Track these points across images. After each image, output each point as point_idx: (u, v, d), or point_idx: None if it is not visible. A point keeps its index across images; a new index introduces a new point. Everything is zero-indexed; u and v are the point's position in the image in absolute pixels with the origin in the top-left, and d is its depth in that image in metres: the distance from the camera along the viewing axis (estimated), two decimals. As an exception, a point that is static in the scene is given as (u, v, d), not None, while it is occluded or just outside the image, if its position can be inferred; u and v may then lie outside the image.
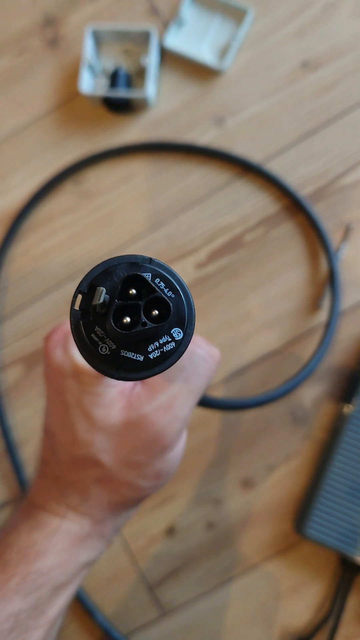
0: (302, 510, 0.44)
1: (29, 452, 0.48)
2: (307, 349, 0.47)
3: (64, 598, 0.29)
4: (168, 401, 0.27)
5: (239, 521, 0.45)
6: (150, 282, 0.20)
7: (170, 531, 0.46)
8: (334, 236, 0.48)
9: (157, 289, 0.20)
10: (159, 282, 0.20)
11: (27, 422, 0.48)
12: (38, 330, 0.50)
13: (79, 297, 0.20)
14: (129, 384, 0.28)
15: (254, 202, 0.50)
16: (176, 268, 0.49)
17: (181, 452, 0.29)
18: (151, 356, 0.20)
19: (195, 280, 0.49)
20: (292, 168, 0.50)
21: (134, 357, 0.20)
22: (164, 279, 0.20)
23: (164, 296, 0.20)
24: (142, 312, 0.20)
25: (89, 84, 0.52)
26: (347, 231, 0.48)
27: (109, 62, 0.53)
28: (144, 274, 0.20)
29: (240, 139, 0.50)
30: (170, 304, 0.20)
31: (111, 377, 0.21)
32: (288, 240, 0.49)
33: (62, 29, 0.54)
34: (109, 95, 0.50)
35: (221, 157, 0.50)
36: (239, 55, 0.51)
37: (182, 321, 0.21)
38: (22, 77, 0.53)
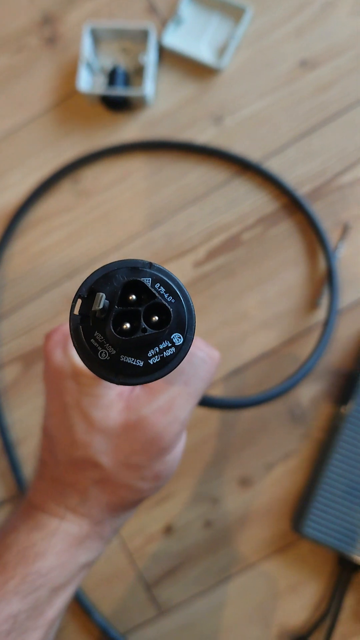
0: (300, 509, 0.44)
1: (27, 450, 0.48)
2: (305, 348, 0.47)
3: (62, 599, 0.29)
4: (167, 403, 0.27)
5: (236, 520, 0.45)
6: (150, 287, 0.20)
7: (168, 530, 0.46)
8: (331, 235, 0.48)
9: (157, 294, 0.20)
10: (159, 287, 0.20)
11: (25, 421, 0.48)
12: (36, 329, 0.50)
13: (79, 301, 0.20)
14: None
15: (252, 200, 0.50)
16: (174, 267, 0.49)
17: (180, 454, 0.29)
18: (151, 361, 0.20)
19: (194, 278, 0.49)
20: (290, 167, 0.50)
21: (134, 363, 0.20)
22: (164, 283, 0.20)
23: (165, 302, 0.20)
24: (142, 318, 0.19)
25: (87, 82, 0.52)
26: (344, 230, 0.48)
27: (107, 61, 0.52)
28: (144, 279, 0.20)
29: (238, 138, 0.50)
30: (171, 310, 0.20)
31: (111, 382, 0.21)
32: (286, 239, 0.49)
33: (60, 27, 0.53)
34: (107, 93, 0.50)
35: (220, 156, 0.50)
36: (237, 54, 0.51)
37: (183, 326, 0.20)
38: (20, 76, 0.53)
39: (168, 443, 0.28)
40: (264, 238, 0.49)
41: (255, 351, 0.47)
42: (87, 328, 0.20)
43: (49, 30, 0.54)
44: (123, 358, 0.20)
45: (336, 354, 0.46)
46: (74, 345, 0.21)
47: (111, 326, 0.19)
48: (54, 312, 0.50)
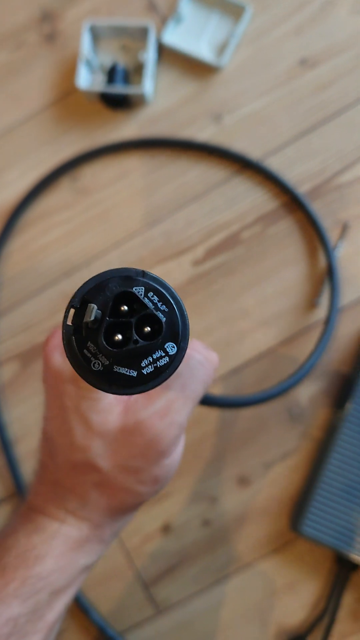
0: (298, 508, 0.44)
1: (25, 449, 0.48)
2: (303, 348, 0.47)
3: (62, 602, 0.29)
4: (165, 407, 0.27)
5: (235, 519, 0.45)
6: (142, 299, 0.20)
7: (166, 529, 0.46)
8: (331, 234, 0.48)
9: (149, 305, 0.20)
10: (152, 296, 0.20)
11: (23, 419, 0.48)
12: (34, 327, 0.50)
13: (72, 311, 0.20)
14: None
15: (251, 199, 0.50)
16: (173, 265, 0.49)
17: (179, 458, 0.29)
18: (145, 371, 0.20)
19: (192, 277, 0.49)
20: (289, 166, 0.50)
21: (128, 373, 0.20)
22: (157, 292, 0.20)
23: (156, 313, 0.20)
24: (133, 330, 0.19)
25: (87, 79, 0.51)
26: (344, 229, 0.48)
27: (107, 58, 0.52)
28: (136, 289, 0.20)
29: (237, 136, 0.50)
30: (163, 321, 0.20)
31: (104, 392, 0.20)
32: (285, 237, 0.49)
33: (59, 24, 0.53)
34: (106, 91, 0.50)
35: (219, 154, 0.50)
36: (237, 52, 0.51)
37: (176, 335, 0.20)
38: (18, 73, 0.53)
39: (166, 446, 0.28)
40: (263, 237, 0.49)
41: (254, 350, 0.47)
42: (79, 338, 0.20)
43: (48, 27, 0.53)
44: (116, 368, 0.20)
45: (334, 353, 0.46)
46: (67, 356, 0.20)
47: (102, 338, 0.19)
48: (52, 310, 0.50)
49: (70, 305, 0.20)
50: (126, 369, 0.20)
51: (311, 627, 0.43)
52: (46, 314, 0.50)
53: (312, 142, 0.50)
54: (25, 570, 0.27)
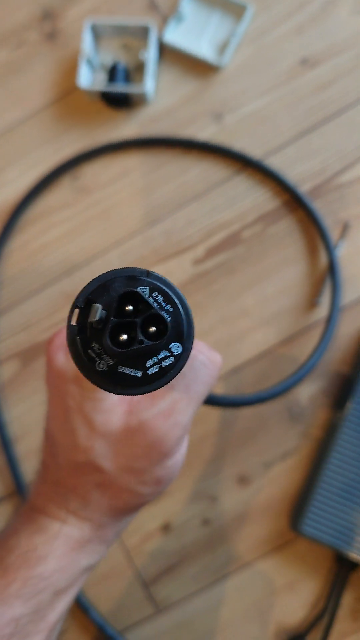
0: (298, 508, 0.44)
1: (25, 447, 0.48)
2: (303, 347, 0.47)
3: (64, 602, 0.29)
4: (168, 407, 0.27)
5: (234, 518, 0.45)
6: (146, 298, 0.19)
7: (166, 528, 0.46)
8: (331, 234, 0.48)
9: (154, 305, 0.19)
10: (157, 296, 0.20)
11: (23, 418, 0.48)
12: (34, 326, 0.50)
13: (76, 311, 0.20)
14: None
15: (252, 198, 0.50)
16: (174, 264, 0.49)
17: (182, 459, 0.29)
18: (149, 372, 0.20)
19: (193, 276, 0.49)
20: (289, 165, 0.50)
21: (132, 373, 0.20)
22: (162, 292, 0.20)
23: (162, 313, 0.19)
24: (138, 330, 0.19)
25: (87, 78, 0.51)
26: (344, 229, 0.48)
27: (108, 57, 0.52)
28: (141, 289, 0.20)
29: (238, 136, 0.50)
30: (168, 321, 0.20)
31: (109, 392, 0.20)
32: (286, 237, 0.49)
33: (60, 22, 0.53)
34: (107, 90, 0.49)
35: (221, 153, 0.50)
36: (238, 52, 0.51)
37: (181, 335, 0.20)
38: (19, 71, 0.53)
39: (169, 448, 0.28)
40: (264, 236, 0.49)
41: (254, 349, 0.47)
42: (84, 339, 0.20)
43: (49, 25, 0.53)
44: (121, 369, 0.20)
45: (335, 353, 0.46)
46: (72, 356, 0.20)
47: (107, 338, 0.19)
48: (52, 309, 0.50)
49: (75, 305, 0.20)
50: (131, 369, 0.20)
51: (311, 626, 0.43)
52: (46, 313, 0.50)
53: (313, 142, 0.50)
54: (27, 571, 0.27)
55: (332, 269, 0.46)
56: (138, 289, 0.20)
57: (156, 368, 0.20)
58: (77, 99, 0.52)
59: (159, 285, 0.20)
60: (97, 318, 0.19)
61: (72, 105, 0.52)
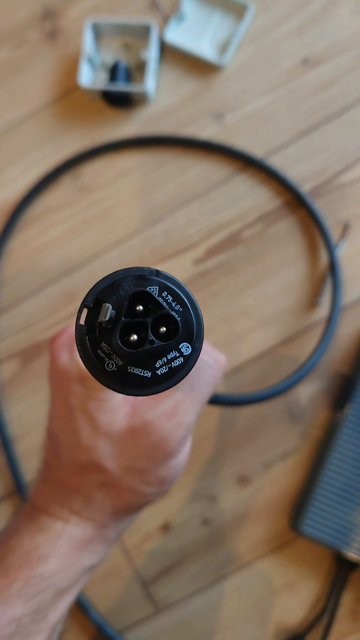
0: (298, 507, 0.44)
1: (25, 447, 0.48)
2: (304, 347, 0.47)
3: (65, 602, 0.29)
4: (172, 408, 0.27)
5: (234, 518, 0.45)
6: (157, 298, 0.19)
7: (166, 527, 0.46)
8: (332, 234, 0.48)
9: (164, 305, 0.19)
10: (167, 296, 0.20)
11: (23, 417, 0.48)
12: (34, 325, 0.50)
13: (85, 311, 0.20)
14: None
15: (252, 198, 0.49)
16: (174, 264, 0.49)
17: (185, 459, 0.29)
18: (159, 372, 0.20)
19: (193, 276, 0.49)
20: (290, 165, 0.50)
21: (141, 374, 0.20)
22: (171, 292, 0.20)
23: (173, 313, 0.19)
24: (149, 331, 0.19)
25: (88, 77, 0.51)
26: (345, 229, 0.48)
27: (109, 56, 0.52)
28: (151, 289, 0.19)
29: (239, 135, 0.50)
30: (179, 321, 0.19)
31: (117, 392, 0.20)
32: (286, 237, 0.49)
33: (61, 21, 0.53)
34: (108, 89, 0.49)
35: (222, 152, 0.50)
36: (239, 51, 0.51)
37: (191, 336, 0.20)
38: (20, 70, 0.53)
39: (173, 448, 0.27)
40: (264, 236, 0.49)
41: (254, 349, 0.47)
42: (93, 338, 0.20)
43: (50, 24, 0.53)
44: (130, 369, 0.20)
45: (335, 353, 0.46)
46: (80, 357, 0.20)
47: (118, 338, 0.19)
48: (52, 309, 0.50)
49: (84, 304, 0.20)
50: (140, 370, 0.20)
51: (310, 626, 0.43)
52: (46, 313, 0.50)
53: (314, 142, 0.50)
54: (29, 571, 0.27)
55: (332, 269, 0.46)
56: (148, 289, 0.19)
57: (165, 369, 0.20)
58: (78, 98, 0.52)
59: (169, 285, 0.20)
60: (107, 318, 0.19)
61: (72, 104, 0.52)
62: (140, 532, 0.46)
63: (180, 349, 0.20)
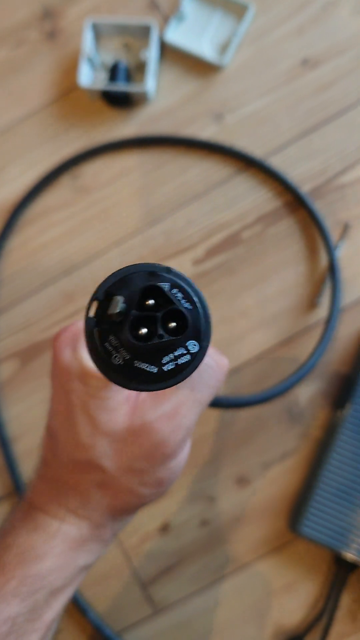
0: (297, 508, 0.44)
1: (24, 447, 0.48)
2: (303, 348, 0.47)
3: (61, 602, 0.29)
4: (172, 409, 0.27)
5: (233, 519, 0.45)
6: (168, 294, 0.19)
7: (164, 528, 0.46)
8: (332, 235, 0.48)
9: (174, 301, 0.19)
10: (177, 293, 0.20)
11: (22, 417, 0.48)
12: (33, 325, 0.49)
13: (94, 303, 0.20)
14: None
15: (252, 198, 0.49)
16: (173, 264, 0.49)
17: (184, 461, 0.29)
18: (165, 368, 0.20)
19: (193, 276, 0.49)
20: (290, 166, 0.49)
21: (148, 369, 0.20)
22: (181, 289, 0.20)
23: (182, 309, 0.19)
24: (159, 324, 0.19)
25: (88, 77, 0.51)
26: (345, 229, 0.48)
27: (109, 56, 0.52)
28: (162, 284, 0.19)
29: (239, 136, 0.50)
30: (188, 317, 0.19)
31: (124, 388, 0.20)
32: (286, 237, 0.49)
33: (61, 21, 0.53)
34: (108, 89, 0.49)
35: (223, 152, 0.50)
36: (239, 52, 0.51)
37: (198, 334, 0.20)
38: (20, 70, 0.53)
39: (172, 450, 0.27)
40: (264, 236, 0.49)
41: (254, 350, 0.47)
42: (102, 332, 0.20)
43: (50, 24, 0.53)
44: (137, 363, 0.20)
45: (335, 353, 0.46)
46: (88, 349, 0.20)
47: (128, 330, 0.19)
48: (51, 309, 0.50)
49: (94, 297, 0.20)
50: (147, 365, 0.20)
51: (309, 627, 0.43)
52: (46, 313, 0.50)
53: (314, 142, 0.50)
54: (25, 569, 0.27)
55: (332, 270, 0.46)
56: (159, 284, 0.20)
57: (172, 365, 0.20)
58: (78, 98, 0.52)
59: (179, 282, 0.20)
60: (118, 310, 0.19)
61: (72, 104, 0.52)
62: (139, 532, 0.46)
63: (187, 346, 0.20)
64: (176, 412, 0.27)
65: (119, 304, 0.19)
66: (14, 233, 0.51)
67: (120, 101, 0.50)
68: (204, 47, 0.51)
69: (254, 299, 0.48)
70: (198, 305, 0.20)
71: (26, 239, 0.51)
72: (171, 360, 0.20)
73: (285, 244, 0.49)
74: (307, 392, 0.46)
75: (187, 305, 0.20)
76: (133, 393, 0.28)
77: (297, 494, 0.45)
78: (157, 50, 0.51)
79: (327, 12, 0.51)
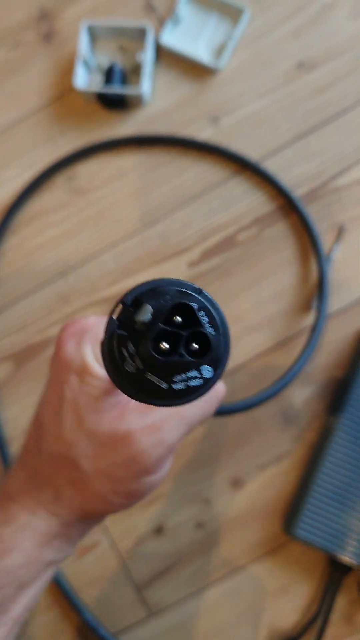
0: (292, 511, 0.44)
1: (19, 449, 0.48)
2: (299, 350, 0.47)
3: (28, 597, 0.29)
4: (157, 423, 0.27)
5: (228, 521, 0.45)
6: (198, 316, 0.19)
7: (159, 531, 0.46)
8: (327, 237, 0.48)
9: (203, 323, 0.19)
10: (203, 316, 0.20)
11: (17, 419, 0.48)
12: (28, 327, 0.49)
13: (119, 307, 0.20)
14: None
15: (248, 201, 0.49)
16: (169, 266, 0.49)
17: (161, 479, 0.29)
18: (175, 387, 0.19)
19: (188, 278, 0.49)
20: (286, 168, 0.49)
21: (158, 383, 0.19)
22: (208, 313, 0.20)
23: (208, 333, 0.19)
24: (182, 343, 0.19)
25: (84, 79, 0.51)
26: (340, 232, 0.48)
27: (104, 58, 0.52)
28: (193, 304, 0.19)
29: (235, 138, 0.50)
30: (213, 343, 0.19)
31: (128, 396, 0.20)
32: (281, 240, 0.49)
33: (57, 23, 0.53)
34: (103, 91, 0.49)
35: (218, 153, 0.50)
36: (235, 54, 0.51)
37: (216, 361, 0.20)
38: (15, 71, 0.53)
39: (149, 464, 0.27)
40: (260, 239, 0.49)
41: (249, 352, 0.47)
42: (121, 336, 0.19)
43: (46, 26, 0.53)
44: (149, 376, 0.19)
45: (330, 356, 0.46)
46: (103, 350, 0.20)
47: (151, 341, 0.19)
48: (47, 310, 0.50)
49: (121, 301, 0.19)
50: (158, 379, 0.19)
51: (304, 630, 0.43)
52: (41, 314, 0.50)
53: (310, 145, 0.50)
54: None
55: (321, 279, 0.46)
56: (191, 304, 0.19)
57: (182, 385, 0.19)
58: (74, 100, 0.52)
59: (207, 306, 0.20)
60: (145, 318, 0.19)
61: (68, 106, 0.52)
62: (134, 535, 0.46)
63: (201, 370, 0.20)
64: (159, 427, 0.27)
65: (148, 312, 0.19)
66: (10, 234, 0.51)
67: (115, 103, 0.50)
68: (200, 50, 0.51)
69: (249, 301, 0.48)
70: (221, 332, 0.20)
71: (22, 240, 0.51)
72: (182, 381, 0.19)
73: (281, 246, 0.49)
74: (302, 395, 0.46)
75: (210, 330, 0.20)
76: (124, 400, 0.28)
77: (292, 497, 0.45)
78: (152, 53, 0.51)
79: (324, 15, 0.51)
